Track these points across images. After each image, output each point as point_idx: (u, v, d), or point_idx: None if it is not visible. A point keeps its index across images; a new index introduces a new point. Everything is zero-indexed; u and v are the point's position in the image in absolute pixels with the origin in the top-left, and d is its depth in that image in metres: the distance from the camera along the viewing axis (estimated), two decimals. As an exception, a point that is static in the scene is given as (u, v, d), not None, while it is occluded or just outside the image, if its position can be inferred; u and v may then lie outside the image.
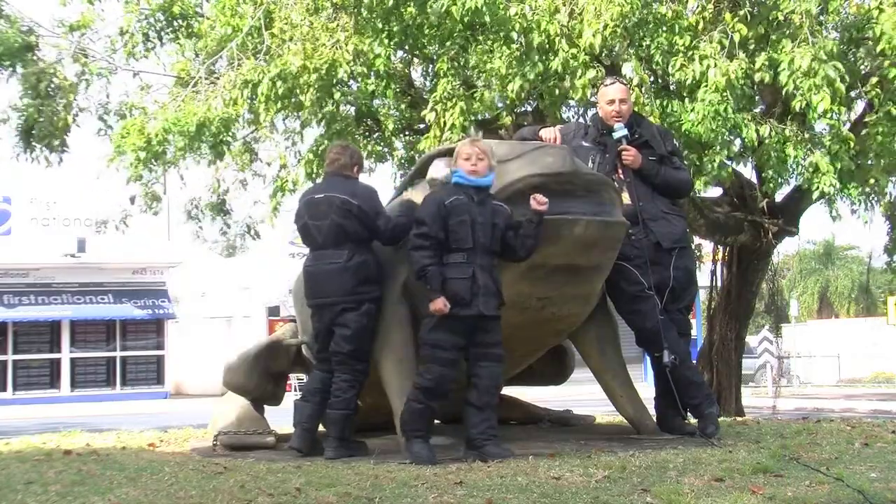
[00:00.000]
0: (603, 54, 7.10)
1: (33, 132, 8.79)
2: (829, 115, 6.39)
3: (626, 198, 5.48)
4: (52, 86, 8.69)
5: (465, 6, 6.54)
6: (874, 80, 6.55)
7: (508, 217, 4.90)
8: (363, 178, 5.63)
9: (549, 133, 5.65)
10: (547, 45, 6.67)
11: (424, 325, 4.89)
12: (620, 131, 5.56)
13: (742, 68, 6.40)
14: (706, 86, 6.34)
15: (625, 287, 5.48)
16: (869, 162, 6.94)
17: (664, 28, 6.56)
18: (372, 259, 5.22)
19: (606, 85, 5.77)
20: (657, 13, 6.54)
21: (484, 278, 4.80)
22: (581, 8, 6.65)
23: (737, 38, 6.59)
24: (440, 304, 4.73)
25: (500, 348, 4.91)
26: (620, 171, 5.55)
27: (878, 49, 6.30)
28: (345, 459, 5.02)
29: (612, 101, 5.62)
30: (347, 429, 5.26)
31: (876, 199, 7.45)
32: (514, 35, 6.64)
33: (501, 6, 6.61)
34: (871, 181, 7.00)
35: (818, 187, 6.59)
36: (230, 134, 8.50)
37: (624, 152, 5.52)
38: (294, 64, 7.44)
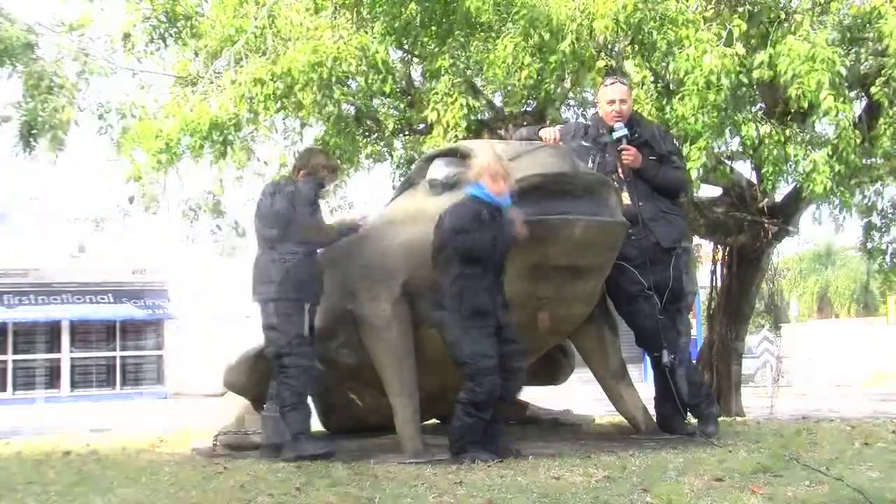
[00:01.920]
0: (606, 51, 7.07)
1: (34, 130, 8.78)
2: (834, 114, 6.37)
3: (625, 198, 5.47)
4: (54, 84, 8.67)
5: None
6: (881, 79, 6.52)
7: (513, 228, 4.87)
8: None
9: (549, 133, 5.65)
10: (559, 32, 6.61)
11: (453, 345, 4.84)
12: (620, 131, 5.56)
13: (738, 55, 6.37)
14: (699, 70, 6.32)
15: (625, 287, 5.47)
16: (878, 160, 6.92)
17: (667, 23, 6.52)
18: (274, 257, 5.24)
19: (606, 85, 5.76)
20: (662, 10, 6.52)
21: (496, 292, 4.82)
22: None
23: (735, 31, 6.57)
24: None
25: (521, 361, 4.89)
26: (621, 170, 5.54)
27: (891, 49, 6.27)
28: (344, 459, 5.00)
29: (612, 102, 5.62)
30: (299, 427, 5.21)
31: (866, 201, 7.44)
32: (539, 24, 6.57)
33: None
34: (855, 181, 6.98)
35: (811, 189, 6.57)
36: (237, 133, 8.50)
37: (624, 152, 5.52)
38: (299, 62, 7.43)
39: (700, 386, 5.64)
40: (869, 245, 7.69)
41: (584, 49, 6.70)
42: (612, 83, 5.74)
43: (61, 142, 8.84)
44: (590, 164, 5.47)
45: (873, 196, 7.81)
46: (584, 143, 5.63)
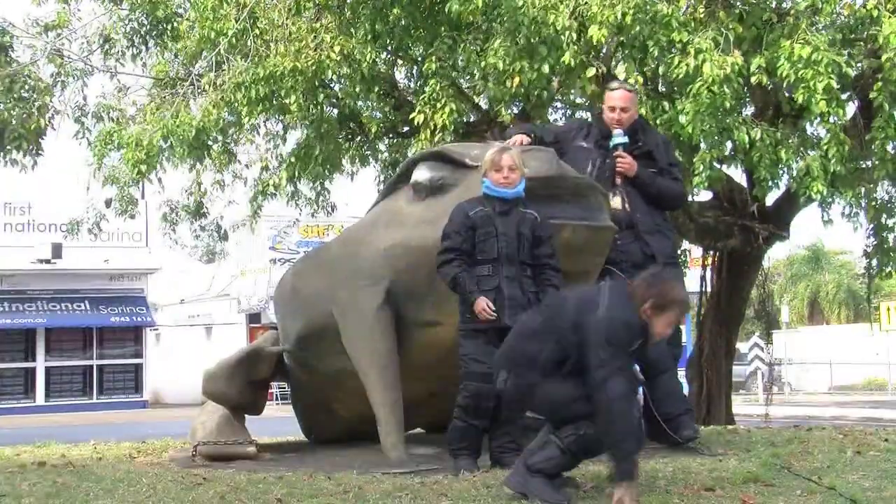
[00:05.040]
0: (596, 55, 7.02)
1: (6, 135, 8.67)
2: (827, 118, 6.34)
3: (616, 202, 5.38)
4: (28, 87, 8.56)
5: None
6: (878, 84, 6.49)
7: (535, 225, 4.74)
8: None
9: (516, 139, 5.54)
10: (553, 39, 6.55)
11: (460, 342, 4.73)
12: (619, 138, 5.43)
13: (739, 64, 6.34)
14: (701, 80, 6.28)
15: None
16: (868, 164, 6.91)
17: (660, 25, 6.48)
18: None
19: (612, 90, 5.62)
20: (655, 10, 6.48)
21: (511, 290, 4.65)
22: (585, 3, 6.55)
23: (731, 35, 6.54)
24: (482, 304, 4.59)
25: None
26: (618, 177, 5.44)
27: (884, 58, 6.26)
28: (326, 469, 4.91)
29: (613, 109, 5.49)
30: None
31: (865, 203, 7.40)
32: (524, 29, 6.51)
33: None
34: (858, 185, 6.97)
35: (806, 192, 6.55)
36: (217, 137, 8.43)
37: (619, 160, 5.41)
38: (283, 66, 7.37)
39: (683, 399, 5.53)
40: (885, 246, 7.62)
41: (576, 56, 6.65)
42: (617, 88, 5.59)
43: (38, 146, 8.73)
44: (589, 168, 5.39)
45: (883, 194, 7.73)
46: (584, 144, 5.53)
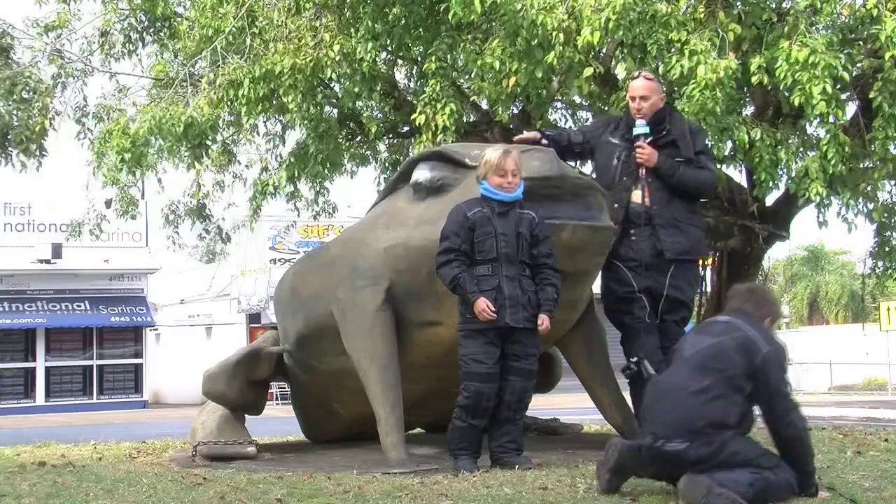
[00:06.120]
0: (594, 55, 7.00)
1: (8, 137, 8.68)
2: (826, 118, 6.33)
3: (636, 196, 5.34)
4: (28, 89, 8.57)
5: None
6: (878, 84, 6.48)
7: (533, 224, 4.77)
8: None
9: (525, 138, 5.51)
10: (546, 41, 6.55)
11: (459, 341, 4.75)
12: (641, 128, 5.35)
13: (732, 68, 6.33)
14: (695, 82, 6.27)
15: (614, 288, 5.37)
16: (869, 165, 6.89)
17: (658, 25, 6.47)
18: None
19: (632, 78, 5.55)
20: (654, 10, 6.47)
21: (511, 289, 4.69)
22: (580, 4, 6.55)
23: (730, 37, 6.53)
24: (483, 305, 4.62)
25: (530, 362, 4.79)
26: (641, 169, 5.35)
27: (887, 55, 6.24)
28: (326, 470, 4.91)
29: (633, 98, 5.41)
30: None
31: (867, 203, 7.36)
32: (523, 31, 6.51)
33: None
34: (863, 185, 6.95)
35: (805, 194, 6.54)
36: (214, 136, 8.41)
37: (638, 150, 5.33)
38: (280, 64, 7.37)
39: None
40: (887, 247, 7.58)
41: (572, 55, 6.65)
42: (636, 77, 5.51)
43: (41, 147, 8.74)
44: (615, 162, 5.35)
45: (886, 195, 7.69)
46: (611, 139, 5.48)
